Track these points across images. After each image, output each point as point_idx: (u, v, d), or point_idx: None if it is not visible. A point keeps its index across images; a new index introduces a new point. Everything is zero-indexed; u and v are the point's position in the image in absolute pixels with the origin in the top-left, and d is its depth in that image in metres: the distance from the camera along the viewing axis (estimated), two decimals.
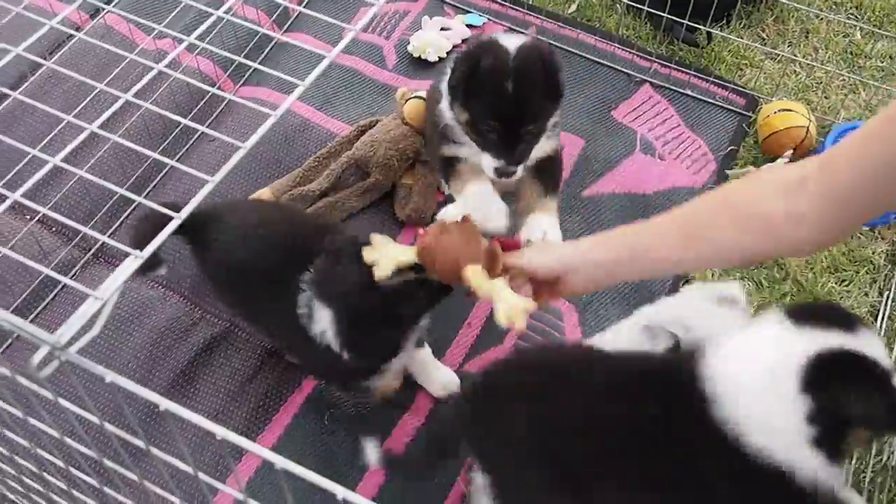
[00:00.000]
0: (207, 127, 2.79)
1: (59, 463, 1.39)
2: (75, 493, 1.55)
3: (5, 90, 1.37)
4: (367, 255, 1.71)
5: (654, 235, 1.64)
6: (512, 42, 1.97)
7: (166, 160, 1.25)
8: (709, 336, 1.72)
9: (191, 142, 2.79)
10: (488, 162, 1.93)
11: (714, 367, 1.46)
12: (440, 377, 2.25)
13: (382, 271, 1.69)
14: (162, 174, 2.70)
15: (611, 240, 1.70)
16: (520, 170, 1.92)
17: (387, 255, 1.70)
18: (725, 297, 1.86)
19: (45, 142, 2.53)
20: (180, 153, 2.76)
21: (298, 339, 1.91)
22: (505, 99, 1.88)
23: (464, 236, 1.70)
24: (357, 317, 1.82)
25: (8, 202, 1.12)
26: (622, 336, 1.89)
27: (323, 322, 1.85)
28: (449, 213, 1.81)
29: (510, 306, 1.59)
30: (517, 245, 1.82)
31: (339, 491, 0.92)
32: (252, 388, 2.28)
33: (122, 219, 2.60)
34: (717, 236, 1.55)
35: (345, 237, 1.87)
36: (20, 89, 2.67)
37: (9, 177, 2.46)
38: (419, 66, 3.05)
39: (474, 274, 1.63)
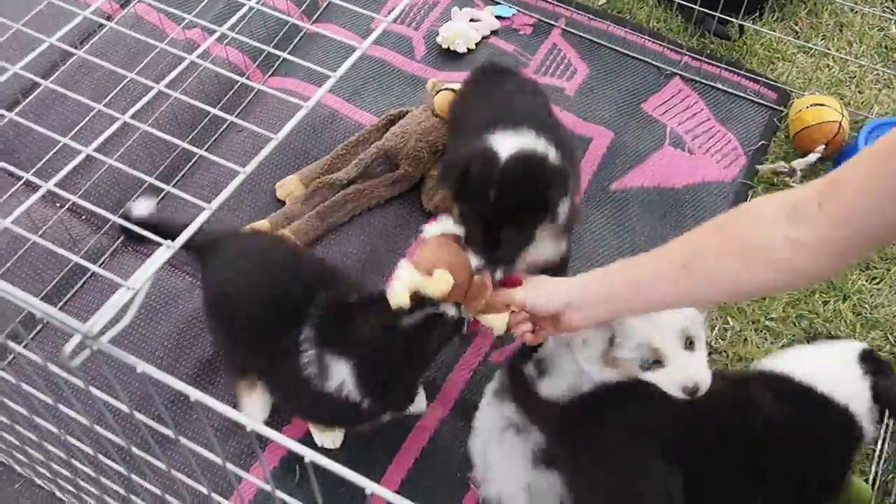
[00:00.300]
0: (236, 118, 2.80)
1: (88, 450, 1.40)
2: (103, 479, 1.57)
3: (37, 79, 1.37)
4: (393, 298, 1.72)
5: (654, 268, 1.57)
6: (506, 148, 1.92)
7: (196, 150, 1.26)
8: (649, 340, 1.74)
9: (219, 132, 2.80)
10: (472, 257, 1.90)
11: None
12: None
13: (397, 299, 1.70)
14: (190, 164, 2.71)
15: (610, 274, 1.64)
16: (498, 273, 1.89)
17: (401, 282, 1.71)
18: None
19: (75, 130, 2.55)
20: (209, 143, 2.76)
21: (301, 391, 1.88)
22: (486, 204, 1.86)
23: (439, 247, 1.78)
24: (383, 364, 1.80)
25: (42, 191, 1.12)
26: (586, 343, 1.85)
27: (340, 376, 1.81)
28: (428, 230, 1.83)
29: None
30: (519, 281, 1.81)
31: (368, 485, 0.92)
32: None
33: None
34: (717, 269, 1.47)
35: (341, 292, 1.86)
36: (51, 78, 2.69)
37: (39, 165, 2.48)
38: (448, 57, 3.04)
39: (439, 278, 1.69)
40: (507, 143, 1.92)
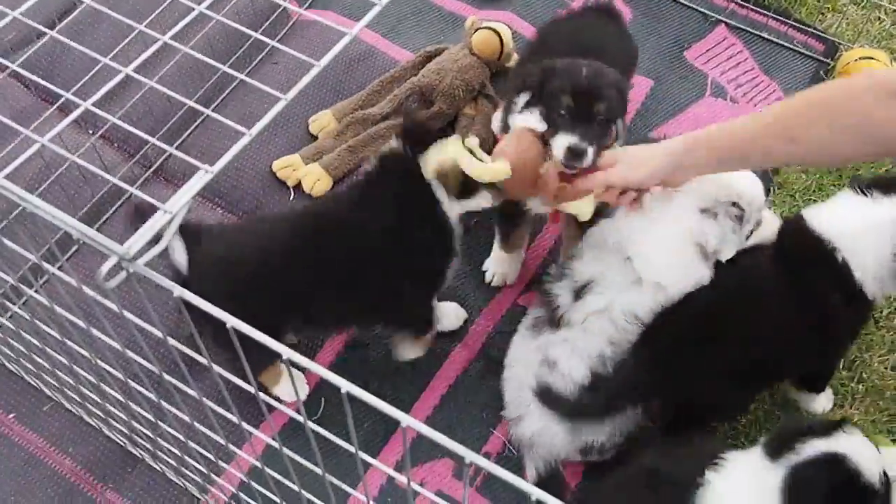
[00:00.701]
0: (271, 49, 2.76)
1: (119, 375, 1.40)
2: (132, 405, 1.57)
3: None
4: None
5: (753, 134, 1.67)
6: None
7: (235, 73, 1.24)
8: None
9: (253, 63, 2.77)
10: (561, 141, 1.90)
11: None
12: (450, 311, 2.30)
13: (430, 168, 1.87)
14: (225, 94, 2.69)
15: (709, 140, 1.74)
16: (591, 153, 1.89)
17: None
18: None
19: (111, 55, 2.51)
20: (244, 73, 2.73)
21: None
22: (580, 80, 1.93)
23: (517, 138, 1.94)
24: None
25: (80, 109, 1.11)
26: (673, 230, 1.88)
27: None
28: (515, 122, 1.99)
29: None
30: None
31: (402, 417, 0.91)
32: None
33: (184, 136, 2.60)
34: (817, 137, 1.57)
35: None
36: None
37: (76, 87, 2.45)
38: None
39: (493, 168, 1.83)
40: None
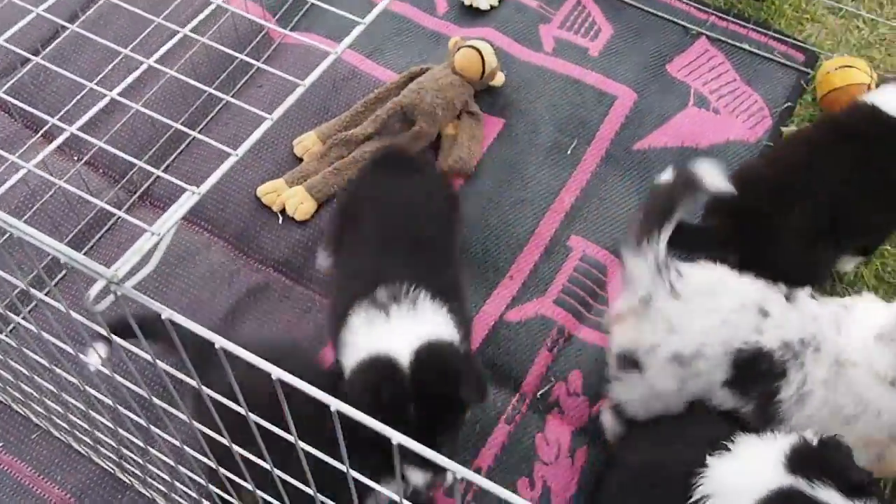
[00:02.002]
0: (254, 73, 2.77)
1: (108, 401, 1.39)
2: (121, 431, 1.56)
3: (62, 22, 1.35)
4: None
5: None
6: (406, 346, 1.74)
7: (222, 95, 1.23)
8: None
9: (237, 87, 2.77)
10: (417, 478, 1.75)
11: None
12: None
13: None
14: (208, 118, 2.68)
15: None
16: (449, 477, 1.80)
17: None
18: None
19: (98, 79, 2.51)
20: (229, 95, 2.73)
21: None
22: (411, 422, 1.70)
23: None
24: None
25: (66, 134, 1.10)
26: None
27: None
28: None
29: None
30: None
31: (394, 435, 0.91)
32: (296, 335, 2.29)
33: (168, 161, 2.59)
34: None
35: None
36: (76, 23, 2.66)
37: (61, 113, 2.45)
38: (470, 14, 2.99)
39: None
40: (405, 339, 1.76)
